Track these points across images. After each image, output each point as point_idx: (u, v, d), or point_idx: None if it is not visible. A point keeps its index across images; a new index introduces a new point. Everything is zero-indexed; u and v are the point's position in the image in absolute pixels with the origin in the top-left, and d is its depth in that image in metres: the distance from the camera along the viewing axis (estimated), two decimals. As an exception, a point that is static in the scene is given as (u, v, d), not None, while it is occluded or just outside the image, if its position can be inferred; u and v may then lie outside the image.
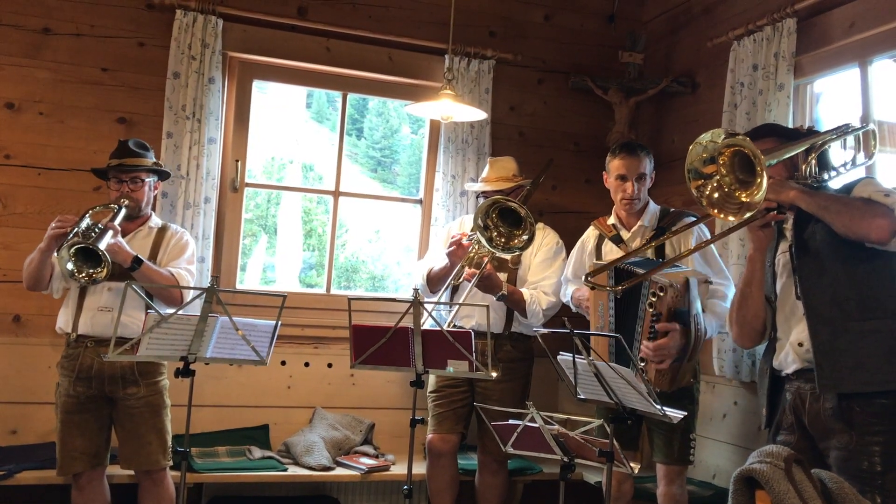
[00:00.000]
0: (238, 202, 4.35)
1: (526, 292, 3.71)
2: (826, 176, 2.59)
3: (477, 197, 4.00)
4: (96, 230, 3.24)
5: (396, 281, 7.34)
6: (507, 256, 3.70)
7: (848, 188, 2.53)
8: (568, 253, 3.81)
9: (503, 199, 3.42)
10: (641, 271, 2.96)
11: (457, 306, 3.61)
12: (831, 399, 2.44)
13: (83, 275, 3.14)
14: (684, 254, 3.13)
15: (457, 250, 3.64)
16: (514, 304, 3.69)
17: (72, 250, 3.11)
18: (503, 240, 3.40)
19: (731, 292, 3.15)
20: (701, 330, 3.03)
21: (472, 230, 3.68)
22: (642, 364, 2.98)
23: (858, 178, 2.59)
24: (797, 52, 3.63)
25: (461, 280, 3.60)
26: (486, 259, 3.55)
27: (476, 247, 3.61)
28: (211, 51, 4.07)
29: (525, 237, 3.36)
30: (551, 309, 3.73)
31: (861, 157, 2.65)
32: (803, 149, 2.56)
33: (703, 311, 3.10)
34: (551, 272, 3.77)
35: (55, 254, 3.25)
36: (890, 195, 2.39)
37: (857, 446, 2.38)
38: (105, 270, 3.11)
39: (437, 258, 3.86)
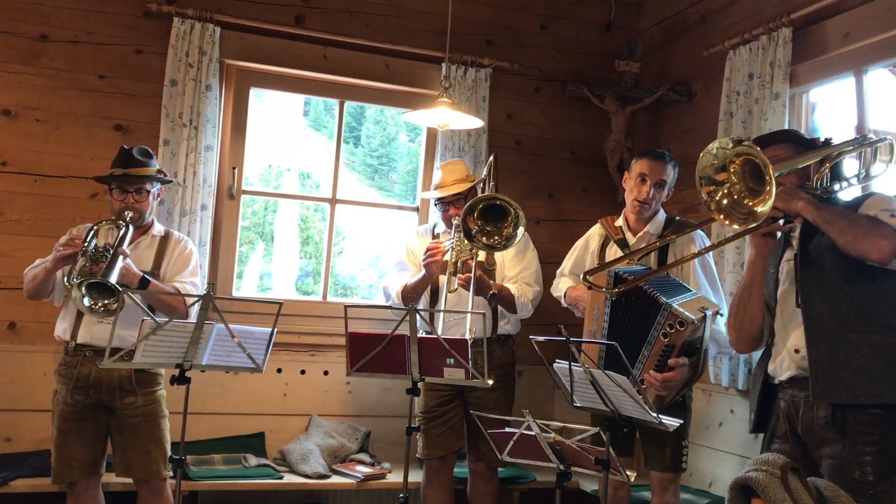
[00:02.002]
0: (235, 209, 4.35)
1: (512, 287, 3.70)
2: (837, 186, 2.58)
3: (435, 204, 3.91)
4: (106, 255, 3.23)
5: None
6: (482, 257, 3.67)
7: (857, 202, 2.52)
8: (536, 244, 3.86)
9: (499, 197, 3.36)
10: (655, 294, 2.95)
11: (442, 314, 3.58)
12: (825, 408, 2.44)
13: (99, 306, 3.14)
14: (686, 258, 3.12)
15: (436, 261, 3.61)
16: (504, 301, 3.67)
17: (83, 288, 3.10)
18: (496, 238, 3.37)
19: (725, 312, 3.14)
20: (706, 364, 3.03)
21: (448, 237, 3.66)
22: (642, 385, 2.97)
23: (869, 193, 2.59)
24: (793, 61, 3.65)
25: (455, 287, 3.57)
26: (472, 263, 3.53)
27: (453, 254, 3.58)
28: (208, 58, 4.07)
29: (514, 221, 3.32)
30: (537, 298, 3.74)
31: (875, 170, 2.63)
32: (816, 160, 2.56)
33: None
34: (527, 262, 3.78)
35: (66, 281, 3.23)
36: (895, 215, 2.40)
37: (849, 455, 2.38)
38: (120, 302, 3.10)
39: (407, 274, 3.81)
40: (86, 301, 3.12)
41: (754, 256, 2.66)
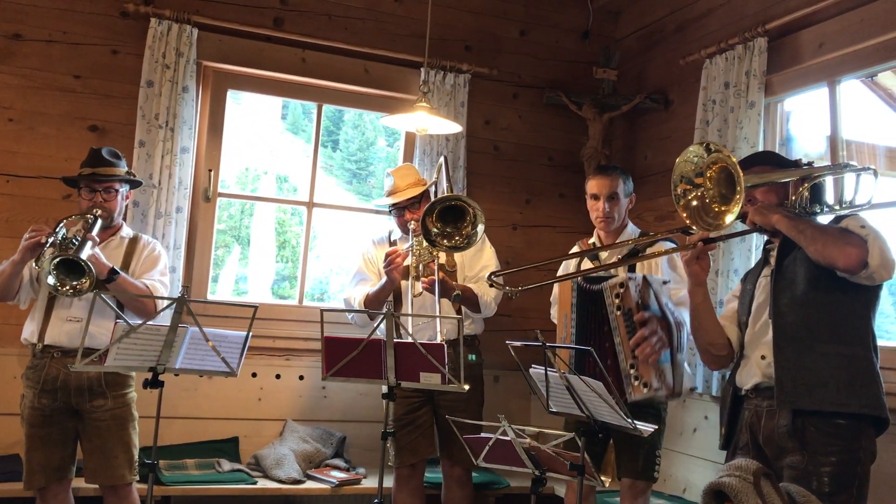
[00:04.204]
0: (210, 212, 4.31)
1: (474, 286, 3.70)
2: (818, 209, 2.61)
3: (389, 210, 3.86)
4: (74, 241, 3.18)
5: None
6: (443, 259, 3.64)
7: (835, 222, 2.56)
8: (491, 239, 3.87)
9: (457, 197, 3.33)
10: (596, 287, 3.05)
11: (410, 318, 3.57)
12: (786, 416, 2.47)
13: (67, 287, 3.06)
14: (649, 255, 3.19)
15: (397, 267, 3.58)
16: (467, 301, 3.66)
17: (53, 263, 3.03)
18: (457, 238, 3.35)
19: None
20: (676, 317, 3.07)
21: (405, 242, 3.65)
22: (633, 371, 2.99)
23: (845, 215, 2.61)
24: (768, 70, 3.68)
25: (420, 292, 3.56)
26: (434, 266, 3.51)
27: (413, 258, 3.57)
28: (185, 60, 4.04)
29: (473, 220, 3.30)
30: (499, 296, 3.73)
31: (858, 199, 2.63)
32: (793, 179, 2.59)
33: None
34: (486, 260, 3.78)
35: (33, 264, 3.19)
36: (865, 227, 2.43)
37: (808, 466, 2.40)
38: (88, 281, 3.04)
39: (367, 285, 3.79)
40: (51, 279, 3.03)
41: (692, 286, 2.73)
